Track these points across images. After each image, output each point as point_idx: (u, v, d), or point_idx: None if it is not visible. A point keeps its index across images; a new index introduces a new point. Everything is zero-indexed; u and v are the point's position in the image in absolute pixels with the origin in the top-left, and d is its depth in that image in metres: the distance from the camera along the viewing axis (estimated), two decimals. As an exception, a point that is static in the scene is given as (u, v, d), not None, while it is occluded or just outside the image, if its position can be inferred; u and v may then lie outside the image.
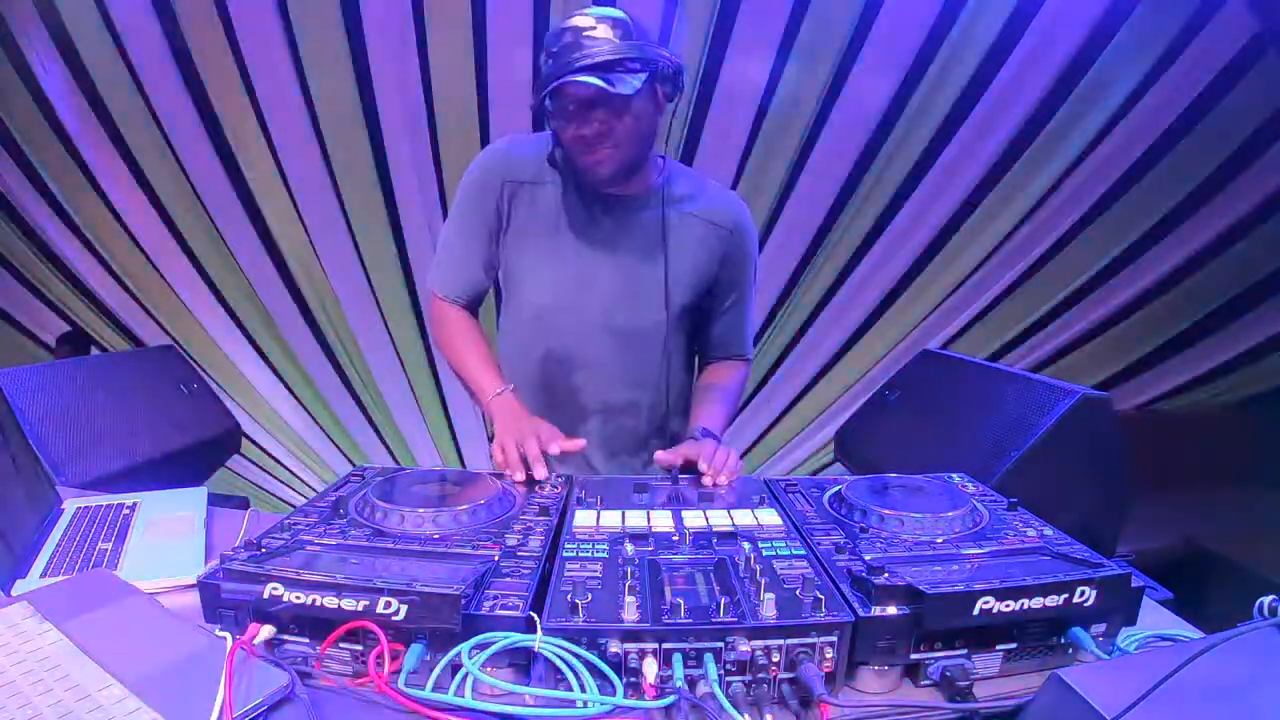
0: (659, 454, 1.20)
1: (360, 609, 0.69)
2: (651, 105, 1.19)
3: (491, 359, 1.36)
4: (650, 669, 0.66)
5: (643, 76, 1.12)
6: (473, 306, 1.42)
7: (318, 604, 0.70)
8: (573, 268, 1.31)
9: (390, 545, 0.83)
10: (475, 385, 1.33)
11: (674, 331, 1.37)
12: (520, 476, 1.11)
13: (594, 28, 1.11)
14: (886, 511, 0.92)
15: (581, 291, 1.32)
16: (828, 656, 0.69)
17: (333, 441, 3.63)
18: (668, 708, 0.65)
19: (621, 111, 1.14)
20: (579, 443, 1.17)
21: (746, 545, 0.85)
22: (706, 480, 1.12)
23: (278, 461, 3.63)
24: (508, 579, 0.76)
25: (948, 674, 0.70)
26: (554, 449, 1.12)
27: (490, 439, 1.25)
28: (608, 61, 1.09)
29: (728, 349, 1.47)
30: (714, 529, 0.92)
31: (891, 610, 0.71)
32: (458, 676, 0.67)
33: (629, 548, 0.85)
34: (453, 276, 1.38)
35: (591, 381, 1.37)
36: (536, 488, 1.08)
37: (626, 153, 1.19)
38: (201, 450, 2.05)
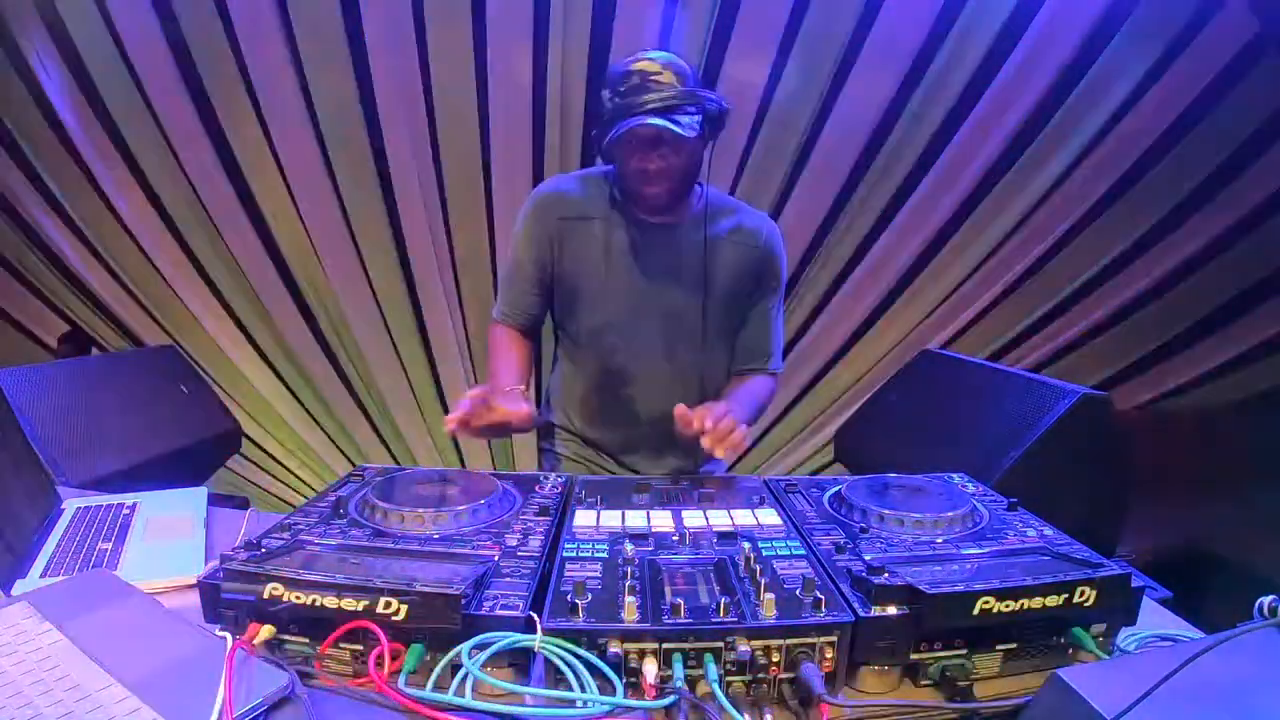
0: (679, 408, 1.16)
1: (360, 609, 0.69)
2: (700, 143, 1.31)
3: (515, 363, 1.45)
4: (650, 669, 0.66)
5: (699, 119, 1.25)
6: (527, 331, 1.52)
7: (318, 604, 0.70)
8: (623, 294, 1.41)
9: (390, 545, 0.83)
10: (492, 382, 1.41)
11: (716, 344, 1.48)
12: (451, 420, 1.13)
13: (660, 73, 1.23)
14: (886, 511, 0.92)
15: (631, 316, 1.42)
16: (828, 656, 0.69)
17: (333, 441, 3.63)
18: (668, 708, 0.65)
19: (680, 149, 1.28)
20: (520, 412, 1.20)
21: (746, 545, 0.85)
22: (705, 442, 1.11)
23: (278, 461, 3.62)
24: (508, 579, 0.76)
25: (948, 674, 0.70)
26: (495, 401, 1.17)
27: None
28: (674, 105, 1.21)
29: (752, 359, 1.52)
30: (714, 529, 0.92)
31: (891, 610, 0.71)
32: (458, 676, 0.67)
33: (629, 548, 0.85)
34: (508, 305, 1.50)
35: (642, 395, 1.48)
36: (536, 486, 1.08)
37: (679, 185, 1.34)
38: (201, 450, 2.05)
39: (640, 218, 1.40)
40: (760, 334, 1.51)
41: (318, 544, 0.83)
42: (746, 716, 0.63)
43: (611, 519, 0.95)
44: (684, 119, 1.22)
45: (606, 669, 0.66)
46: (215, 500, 1.22)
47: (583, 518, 0.95)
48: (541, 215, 1.43)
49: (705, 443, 1.11)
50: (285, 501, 3.60)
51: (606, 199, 1.42)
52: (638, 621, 0.68)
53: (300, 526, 0.88)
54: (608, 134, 1.23)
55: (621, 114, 1.22)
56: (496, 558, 0.80)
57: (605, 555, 0.83)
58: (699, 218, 1.40)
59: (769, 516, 0.97)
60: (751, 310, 1.49)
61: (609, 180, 1.43)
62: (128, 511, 1.14)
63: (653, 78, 1.23)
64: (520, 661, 0.70)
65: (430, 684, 0.67)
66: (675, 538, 0.89)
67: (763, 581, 0.73)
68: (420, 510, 0.90)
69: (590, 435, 1.56)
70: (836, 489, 1.04)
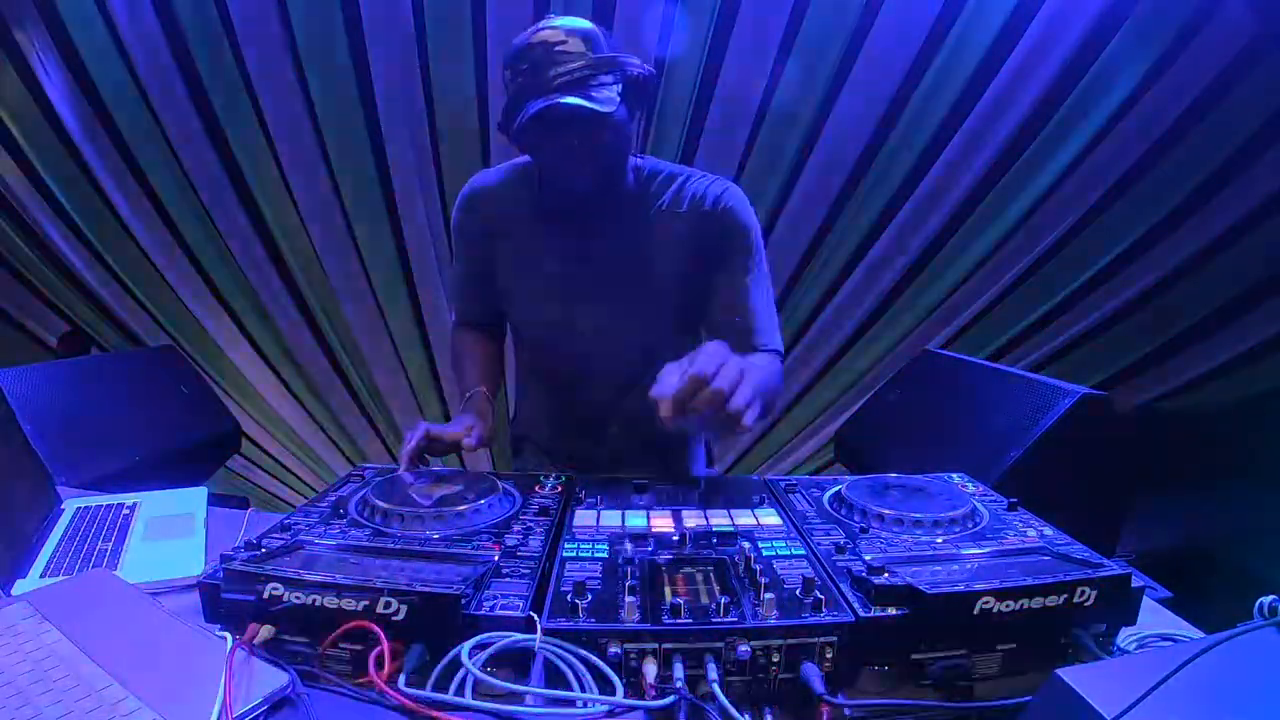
0: (654, 392, 0.91)
1: (360, 609, 0.69)
2: (626, 115, 1.13)
3: (479, 366, 1.38)
4: (650, 669, 0.66)
5: (618, 88, 1.08)
6: (492, 328, 1.45)
7: (318, 604, 0.70)
8: (559, 292, 1.29)
9: (390, 545, 0.83)
10: (460, 386, 1.37)
11: (674, 332, 1.33)
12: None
13: (564, 41, 1.06)
14: (886, 511, 0.92)
15: (571, 313, 1.30)
16: (828, 656, 0.69)
17: (333, 441, 3.63)
18: (668, 708, 0.65)
19: (600, 127, 1.09)
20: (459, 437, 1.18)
21: (746, 545, 0.85)
22: (716, 387, 0.84)
23: (278, 461, 3.63)
24: (508, 579, 0.76)
25: (948, 674, 0.70)
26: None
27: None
28: (584, 77, 1.04)
29: (740, 344, 1.21)
30: (714, 529, 0.92)
31: (891, 610, 0.70)
32: (458, 676, 0.67)
33: (629, 548, 0.85)
34: (460, 305, 1.45)
35: (599, 394, 1.38)
36: (536, 487, 1.08)
37: (604, 167, 1.17)
38: (201, 450, 2.05)
39: (570, 204, 1.24)
40: (736, 309, 1.26)
41: (318, 544, 0.83)
42: (746, 716, 0.63)
43: (611, 519, 0.95)
44: (601, 92, 1.05)
45: (607, 669, 0.66)
46: (215, 500, 1.22)
47: (583, 518, 0.95)
48: (467, 215, 1.32)
49: (716, 387, 0.83)
50: (285, 501, 3.60)
51: (534, 189, 1.28)
52: (638, 622, 0.68)
53: (300, 526, 0.88)
54: (513, 121, 1.06)
55: (525, 95, 1.05)
56: (496, 558, 0.80)
57: (605, 555, 0.83)
58: (638, 194, 1.24)
59: (769, 516, 0.97)
60: (720, 284, 1.26)
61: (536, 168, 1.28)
62: (128, 511, 1.13)
63: (557, 48, 1.05)
64: (520, 661, 0.69)
65: (430, 684, 0.67)
66: (675, 538, 0.89)
67: (763, 581, 0.73)
68: (420, 510, 0.90)
69: (557, 447, 1.48)
70: (836, 489, 1.04)
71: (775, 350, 1.28)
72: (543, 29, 1.08)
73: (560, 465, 1.47)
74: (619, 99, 1.08)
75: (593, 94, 1.05)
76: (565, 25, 1.08)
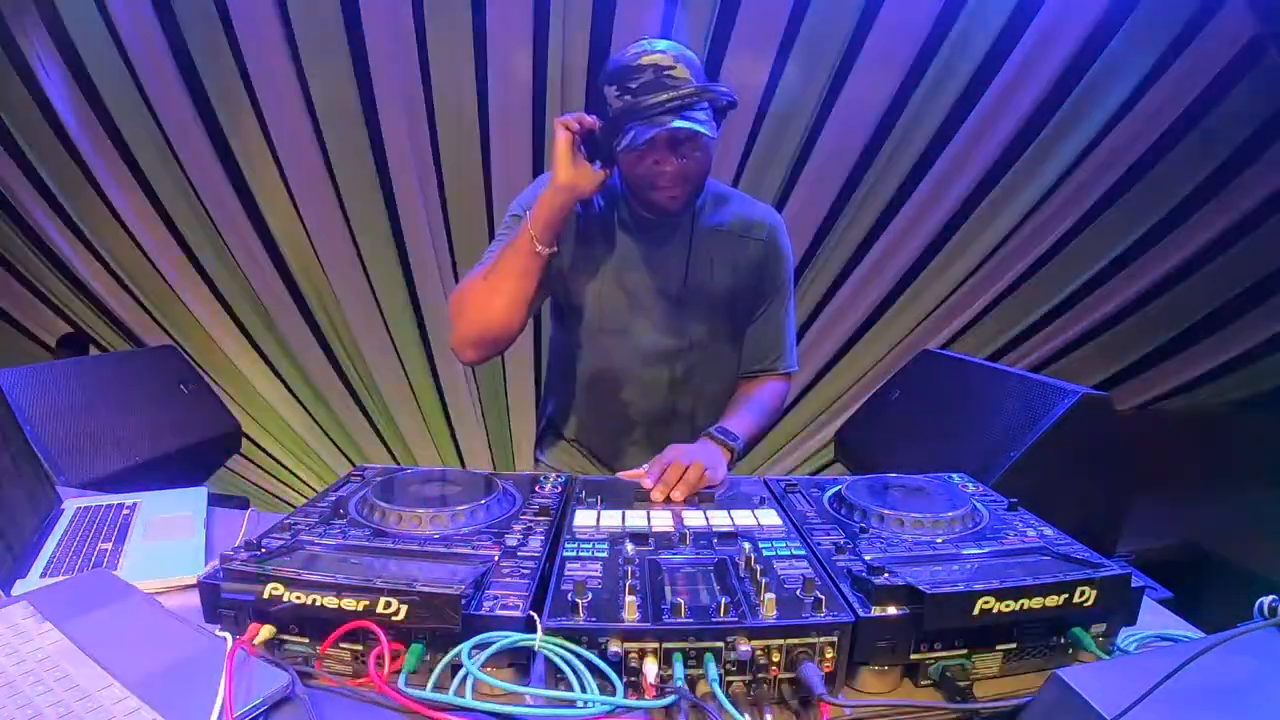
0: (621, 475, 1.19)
1: (360, 609, 0.69)
2: (715, 140, 1.22)
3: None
4: (650, 669, 0.66)
5: (711, 112, 1.16)
6: None
7: (318, 604, 0.70)
8: (620, 293, 1.36)
9: (390, 545, 0.83)
10: (513, 247, 1.23)
11: (715, 345, 1.42)
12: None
13: (673, 67, 1.14)
14: (886, 511, 0.92)
15: (628, 315, 1.37)
16: (828, 656, 0.69)
17: (333, 441, 3.63)
18: (668, 708, 0.65)
19: (701, 149, 1.21)
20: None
21: (746, 545, 0.85)
22: (655, 495, 1.06)
23: (278, 461, 3.63)
24: (508, 579, 0.76)
25: (948, 674, 0.70)
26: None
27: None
28: (691, 103, 1.12)
29: (763, 361, 1.46)
30: (714, 529, 0.92)
31: (891, 610, 0.70)
32: (458, 676, 0.67)
33: (629, 548, 0.85)
34: None
35: (636, 395, 1.43)
36: (536, 487, 1.08)
37: (697, 185, 1.27)
38: (201, 450, 2.05)
39: (638, 213, 1.33)
40: (769, 334, 1.45)
41: (318, 544, 0.82)
42: (746, 716, 0.63)
43: (612, 519, 0.95)
44: (701, 115, 1.14)
45: (607, 669, 0.66)
46: (215, 500, 1.22)
47: (583, 518, 0.95)
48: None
49: (655, 495, 1.05)
50: (285, 501, 3.61)
51: (609, 193, 1.35)
52: (638, 621, 0.68)
53: (300, 526, 0.88)
54: (624, 137, 1.13)
55: (634, 113, 1.11)
56: (496, 558, 0.80)
57: (605, 555, 0.83)
58: (697, 209, 1.34)
59: (769, 516, 0.97)
60: (759, 311, 1.43)
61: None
62: (128, 511, 1.13)
63: (667, 73, 1.12)
64: (520, 661, 0.69)
65: (430, 684, 0.67)
66: (675, 538, 0.89)
67: (763, 581, 0.73)
68: (420, 510, 0.90)
69: (580, 438, 1.52)
70: (836, 489, 1.04)
71: (790, 371, 1.50)
72: (651, 52, 1.15)
73: (587, 460, 1.53)
74: (715, 123, 1.17)
75: (696, 117, 1.13)
76: (672, 50, 1.15)
